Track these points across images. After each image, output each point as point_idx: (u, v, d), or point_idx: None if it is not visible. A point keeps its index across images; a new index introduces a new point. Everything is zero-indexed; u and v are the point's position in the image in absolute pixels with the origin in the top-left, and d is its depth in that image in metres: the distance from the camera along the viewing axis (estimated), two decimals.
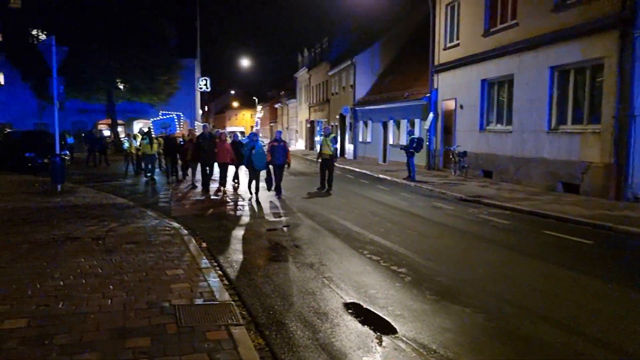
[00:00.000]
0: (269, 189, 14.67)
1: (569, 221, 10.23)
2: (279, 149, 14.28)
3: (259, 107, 34.47)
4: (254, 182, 14.24)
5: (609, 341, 4.62)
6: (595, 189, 12.92)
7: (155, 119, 23.12)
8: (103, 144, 26.61)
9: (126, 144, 21.48)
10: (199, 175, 16.52)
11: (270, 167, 14.55)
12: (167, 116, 23.42)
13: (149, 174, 18.79)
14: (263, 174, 14.73)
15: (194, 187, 16.25)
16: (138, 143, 20.03)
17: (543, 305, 5.55)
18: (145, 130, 20.01)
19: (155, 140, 18.96)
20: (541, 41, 14.76)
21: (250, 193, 14.26)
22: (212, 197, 14.46)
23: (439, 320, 5.07)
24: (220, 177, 15.54)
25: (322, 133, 16.51)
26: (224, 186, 15.44)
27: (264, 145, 15.03)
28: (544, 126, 14.84)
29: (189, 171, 17.64)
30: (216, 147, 15.37)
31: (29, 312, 4.91)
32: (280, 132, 15.33)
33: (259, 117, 31.53)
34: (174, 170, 18.88)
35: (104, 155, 25.98)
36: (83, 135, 30.75)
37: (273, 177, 14.62)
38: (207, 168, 15.60)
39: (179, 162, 18.71)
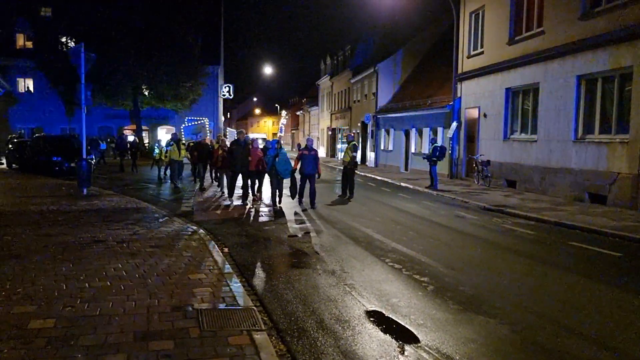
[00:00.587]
0: (292, 197, 14.05)
1: (596, 232, 10.03)
2: (309, 158, 13.66)
3: (283, 113, 32.95)
4: (277, 191, 13.69)
5: (638, 356, 4.50)
6: (623, 200, 12.65)
7: (186, 124, 23.49)
8: (134, 149, 26.27)
9: (156, 150, 20.91)
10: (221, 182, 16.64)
11: (297, 175, 14.01)
12: (198, 122, 22.99)
13: (176, 180, 18.57)
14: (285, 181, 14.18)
15: (223, 194, 15.94)
16: (166, 149, 19.70)
17: (570, 317, 5.44)
18: (175, 136, 19.38)
19: (182, 146, 18.63)
20: (568, 49, 14.56)
21: (274, 203, 13.64)
22: (239, 205, 14.03)
23: (463, 331, 5.00)
24: (251, 185, 14.69)
25: (344, 140, 16.36)
26: (256, 194, 14.66)
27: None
28: (571, 136, 14.61)
29: (220, 178, 17.08)
30: (250, 154, 14.26)
31: (56, 312, 5.00)
32: (312, 140, 14.64)
33: (283, 124, 29.76)
34: (204, 177, 18.45)
35: (133, 161, 25.70)
36: (111, 140, 31.02)
37: (298, 185, 14.06)
38: (240, 176, 14.68)
39: (209, 168, 18.52)
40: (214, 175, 18.27)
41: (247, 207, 13.63)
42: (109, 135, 36.94)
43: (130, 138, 34.38)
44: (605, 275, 7.21)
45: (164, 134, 41.79)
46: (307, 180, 13.83)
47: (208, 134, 23.52)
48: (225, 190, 15.89)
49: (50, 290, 5.67)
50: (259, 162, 14.25)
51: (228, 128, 20.46)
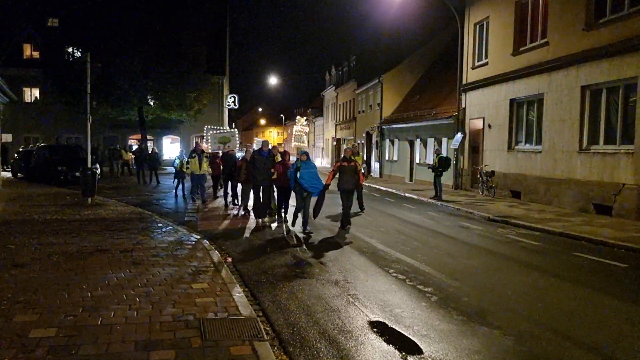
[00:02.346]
0: (314, 216, 11.58)
1: (602, 244, 9.95)
2: (349, 171, 11.69)
3: (302, 121, 27.87)
4: (301, 210, 11.39)
5: None
6: (629, 210, 12.56)
7: (214, 132, 20.01)
8: (154, 161, 24.66)
9: (177, 162, 18.91)
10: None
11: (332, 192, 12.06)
12: (224, 130, 19.97)
13: (194, 195, 17.01)
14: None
15: (247, 213, 13.91)
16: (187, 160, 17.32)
17: (575, 329, 5.38)
18: (198, 146, 17.36)
19: (205, 159, 16.61)
20: (572, 60, 14.56)
21: (292, 222, 11.68)
22: (250, 218, 13.20)
23: (467, 342, 4.95)
24: (278, 204, 13.06)
25: (351, 152, 15.31)
26: (279, 214, 12.97)
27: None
28: (575, 146, 14.56)
29: (243, 193, 14.71)
30: (274, 167, 12.37)
31: (57, 321, 4.98)
32: (351, 150, 12.53)
33: (301, 130, 24.72)
34: (230, 193, 16.15)
35: (154, 172, 24.28)
36: (131, 151, 30.22)
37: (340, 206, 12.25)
38: (262, 192, 12.65)
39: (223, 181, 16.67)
40: (230, 191, 16.01)
41: (260, 222, 12.37)
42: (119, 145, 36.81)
43: (134, 148, 34.40)
44: (611, 286, 7.14)
45: (168, 144, 41.96)
46: (347, 197, 11.79)
47: (237, 147, 20.51)
48: (242, 207, 14.22)
49: (52, 299, 5.66)
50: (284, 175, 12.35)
51: (264, 139, 18.01)
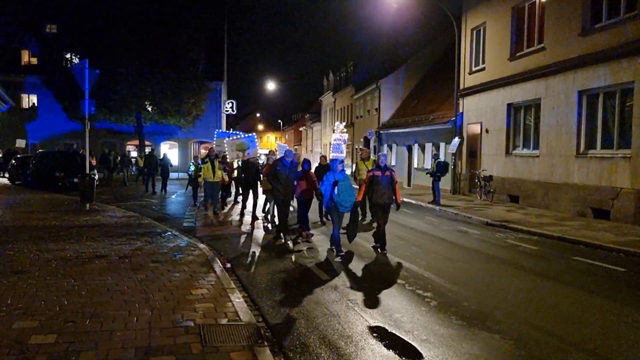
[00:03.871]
0: (350, 239, 9.46)
1: (600, 248, 9.97)
2: (385, 182, 9.50)
3: (337, 124, 21.34)
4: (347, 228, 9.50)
5: None
6: (626, 215, 12.60)
7: (230, 139, 17.02)
8: (166, 169, 22.56)
9: (192, 168, 17.14)
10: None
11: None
12: (241, 135, 17.32)
13: (207, 204, 15.31)
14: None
15: (268, 226, 12.63)
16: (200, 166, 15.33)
17: (574, 333, 5.39)
18: (213, 151, 15.27)
19: (218, 165, 14.92)
20: (569, 65, 14.63)
21: (336, 251, 9.15)
22: (249, 222, 13.01)
23: (467, 346, 4.96)
24: (302, 218, 11.22)
25: (361, 157, 14.26)
26: (308, 232, 11.07)
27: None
28: (573, 151, 14.61)
29: (265, 206, 13.70)
30: (300, 180, 11.03)
31: (57, 328, 4.97)
32: (385, 156, 10.21)
33: (340, 138, 16.80)
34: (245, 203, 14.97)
35: (165, 181, 22.48)
36: (140, 157, 29.20)
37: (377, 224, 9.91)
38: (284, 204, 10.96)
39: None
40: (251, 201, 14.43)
41: (290, 245, 10.32)
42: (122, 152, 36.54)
43: (134, 154, 34.31)
44: (609, 290, 7.15)
45: (167, 149, 41.97)
46: (382, 214, 9.67)
47: (259, 153, 17.41)
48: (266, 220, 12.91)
49: (51, 306, 5.65)
50: (312, 187, 11.12)
51: (278, 143, 14.91)
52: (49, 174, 22.08)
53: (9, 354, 4.33)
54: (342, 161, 10.39)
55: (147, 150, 28.89)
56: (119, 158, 29.40)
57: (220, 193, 15.72)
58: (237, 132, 19.07)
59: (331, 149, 15.97)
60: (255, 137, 17.49)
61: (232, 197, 18.24)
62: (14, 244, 9.25)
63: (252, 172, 14.33)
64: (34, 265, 7.56)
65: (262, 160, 18.02)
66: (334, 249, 9.25)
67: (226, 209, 16.53)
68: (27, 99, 39.67)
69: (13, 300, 5.82)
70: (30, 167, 24.03)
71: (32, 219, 12.68)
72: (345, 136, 16.60)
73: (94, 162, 27.12)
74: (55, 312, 5.45)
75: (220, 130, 20.19)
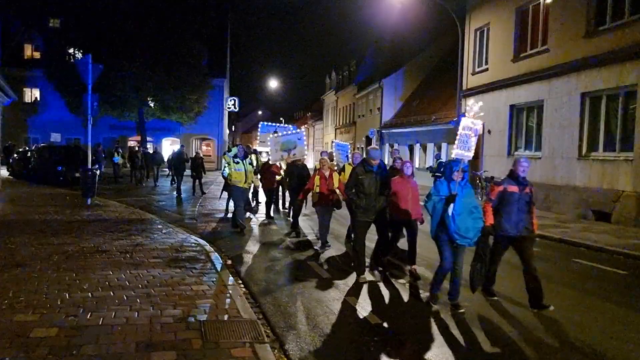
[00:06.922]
0: (474, 285, 6.56)
1: (601, 250, 9.96)
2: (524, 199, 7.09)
3: (472, 104, 15.61)
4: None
5: None
6: (627, 217, 12.59)
7: (275, 136, 13.23)
8: (198, 167, 19.49)
9: (226, 170, 12.52)
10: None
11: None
12: (290, 129, 13.94)
13: (240, 219, 11.51)
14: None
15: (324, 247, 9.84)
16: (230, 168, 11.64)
17: (574, 335, 5.39)
18: (242, 149, 11.92)
19: (251, 167, 11.92)
20: (572, 67, 14.61)
21: (454, 301, 6.20)
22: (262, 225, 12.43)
23: (467, 347, 4.96)
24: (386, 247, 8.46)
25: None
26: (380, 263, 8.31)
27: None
28: (575, 153, 14.60)
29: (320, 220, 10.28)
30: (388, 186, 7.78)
31: (58, 322, 4.98)
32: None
33: (470, 127, 6.80)
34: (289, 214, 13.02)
35: (198, 181, 19.68)
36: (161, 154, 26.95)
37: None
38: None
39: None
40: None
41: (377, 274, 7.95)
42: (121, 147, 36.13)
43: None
44: (610, 293, 7.15)
45: (168, 145, 41.95)
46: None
47: (305, 154, 13.21)
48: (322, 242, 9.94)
49: (53, 300, 5.66)
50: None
51: (336, 142, 11.69)
52: (51, 169, 22.10)
53: (10, 347, 4.34)
54: (467, 165, 6.52)
55: (175, 148, 24.63)
56: (141, 155, 25.45)
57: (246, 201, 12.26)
58: (286, 126, 15.62)
59: (457, 142, 7.00)
60: (304, 133, 14.28)
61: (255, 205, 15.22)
62: (16, 238, 9.27)
63: (301, 176, 11.50)
64: (35, 259, 7.57)
65: (264, 158, 14.92)
66: (435, 297, 6.24)
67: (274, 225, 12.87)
68: (30, 93, 39.68)
69: (14, 294, 5.83)
70: (32, 162, 24.06)
71: (33, 213, 12.69)
72: (479, 124, 7.56)
73: (120, 160, 25.98)
74: (56, 306, 5.46)
75: (266, 123, 15.24)
